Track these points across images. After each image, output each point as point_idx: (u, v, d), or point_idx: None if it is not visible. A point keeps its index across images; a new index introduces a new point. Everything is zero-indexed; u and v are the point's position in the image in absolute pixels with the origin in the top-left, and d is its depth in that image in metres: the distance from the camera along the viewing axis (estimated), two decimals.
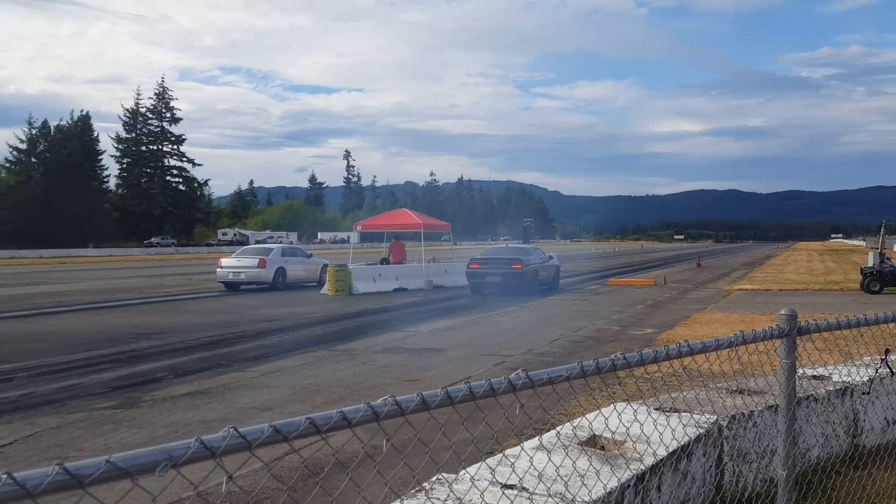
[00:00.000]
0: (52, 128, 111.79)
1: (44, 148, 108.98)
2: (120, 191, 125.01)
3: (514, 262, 27.59)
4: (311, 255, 34.01)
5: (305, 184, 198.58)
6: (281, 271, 30.33)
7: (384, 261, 33.97)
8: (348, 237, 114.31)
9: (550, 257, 31.11)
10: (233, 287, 30.37)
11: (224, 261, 30.98)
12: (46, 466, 1.54)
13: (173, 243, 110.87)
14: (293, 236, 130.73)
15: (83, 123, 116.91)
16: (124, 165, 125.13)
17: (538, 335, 16.54)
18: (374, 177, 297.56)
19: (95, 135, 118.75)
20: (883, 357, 6.61)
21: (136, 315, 21.01)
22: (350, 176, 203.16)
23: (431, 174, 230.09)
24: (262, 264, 29.90)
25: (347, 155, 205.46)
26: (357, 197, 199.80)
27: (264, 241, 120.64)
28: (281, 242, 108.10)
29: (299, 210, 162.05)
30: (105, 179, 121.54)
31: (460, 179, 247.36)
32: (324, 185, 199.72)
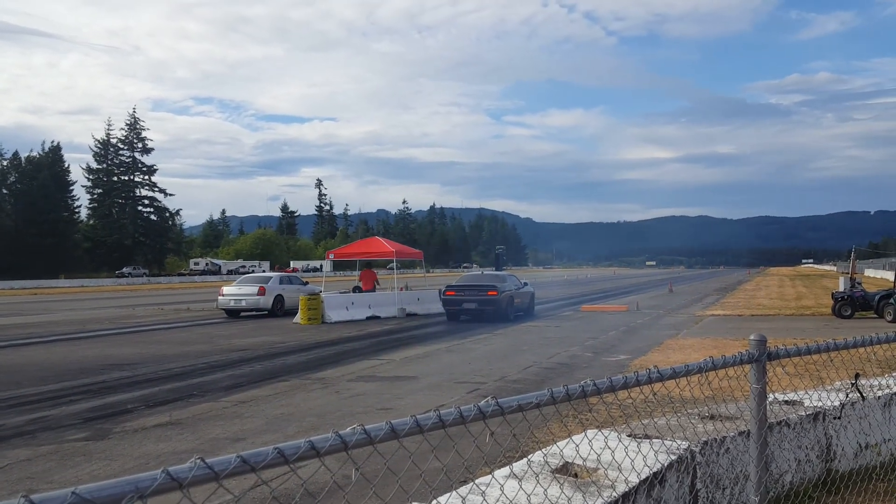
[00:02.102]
0: (23, 159, 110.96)
1: (14, 179, 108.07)
2: (91, 221, 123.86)
3: (489, 289, 27.83)
4: (306, 283, 34.82)
5: (278, 212, 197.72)
6: (279, 298, 31.36)
7: (356, 289, 33.96)
8: (321, 265, 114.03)
9: (525, 284, 31.36)
10: (233, 314, 31.57)
11: (225, 289, 32.28)
12: (13, 499, 1.53)
13: (145, 273, 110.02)
14: (265, 265, 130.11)
15: (54, 154, 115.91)
16: (95, 196, 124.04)
17: (511, 362, 16.55)
18: (347, 205, 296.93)
19: (66, 165, 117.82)
20: (853, 381, 6.67)
21: (108, 346, 20.79)
22: (322, 204, 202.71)
23: (404, 202, 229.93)
24: (261, 292, 31.11)
25: (319, 184, 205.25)
26: (329, 225, 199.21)
27: (236, 271, 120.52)
28: (253, 272, 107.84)
29: (272, 239, 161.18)
30: (76, 210, 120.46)
31: (432, 207, 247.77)
32: (296, 214, 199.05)
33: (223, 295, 31.81)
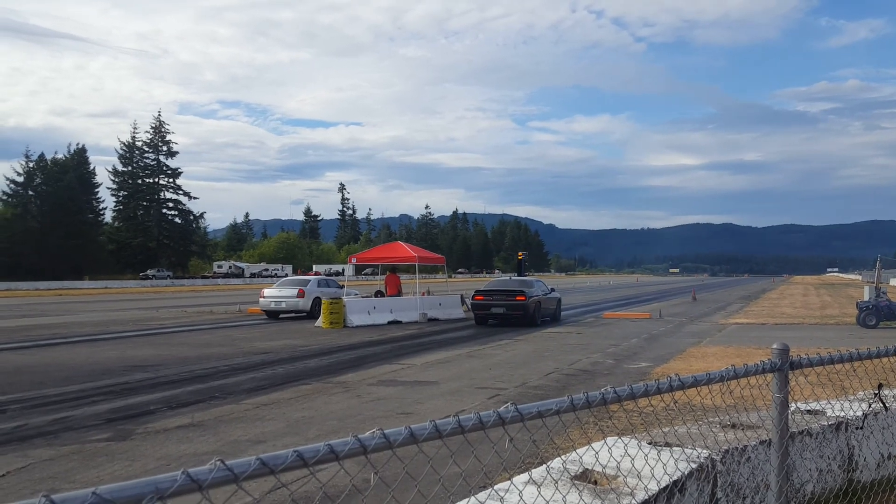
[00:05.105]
0: (49, 161, 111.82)
1: (41, 181, 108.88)
2: (116, 223, 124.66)
3: (518, 294, 28.30)
4: (342, 286, 35.38)
5: (301, 216, 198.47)
6: (318, 301, 31.72)
7: (379, 293, 34.04)
8: (343, 269, 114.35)
9: (552, 290, 31.84)
10: (273, 315, 32.80)
11: (266, 291, 33.50)
12: (34, 498, 1.54)
13: (169, 276, 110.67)
14: (288, 269, 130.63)
15: (79, 157, 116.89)
16: (120, 198, 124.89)
17: (532, 368, 16.51)
18: (370, 209, 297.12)
19: (92, 168, 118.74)
20: (876, 392, 6.61)
21: (131, 347, 20.92)
22: (345, 209, 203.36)
23: (427, 207, 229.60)
24: (301, 294, 32.31)
25: (342, 188, 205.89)
26: (352, 230, 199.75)
27: (259, 274, 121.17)
28: (276, 275, 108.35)
29: (294, 243, 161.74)
30: (101, 212, 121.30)
31: (455, 212, 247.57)
32: (319, 218, 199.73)
33: (264, 297, 32.88)
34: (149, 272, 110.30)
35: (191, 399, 12.63)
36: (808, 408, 7.23)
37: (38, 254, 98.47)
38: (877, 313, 26.62)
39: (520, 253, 52.89)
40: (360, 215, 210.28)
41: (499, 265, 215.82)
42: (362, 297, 33.05)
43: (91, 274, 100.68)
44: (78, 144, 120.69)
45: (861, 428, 6.88)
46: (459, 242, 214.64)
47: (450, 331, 26.79)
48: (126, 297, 58.64)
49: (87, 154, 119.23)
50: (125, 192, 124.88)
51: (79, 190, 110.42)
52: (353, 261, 35.88)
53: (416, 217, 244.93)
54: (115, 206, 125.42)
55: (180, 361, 17.66)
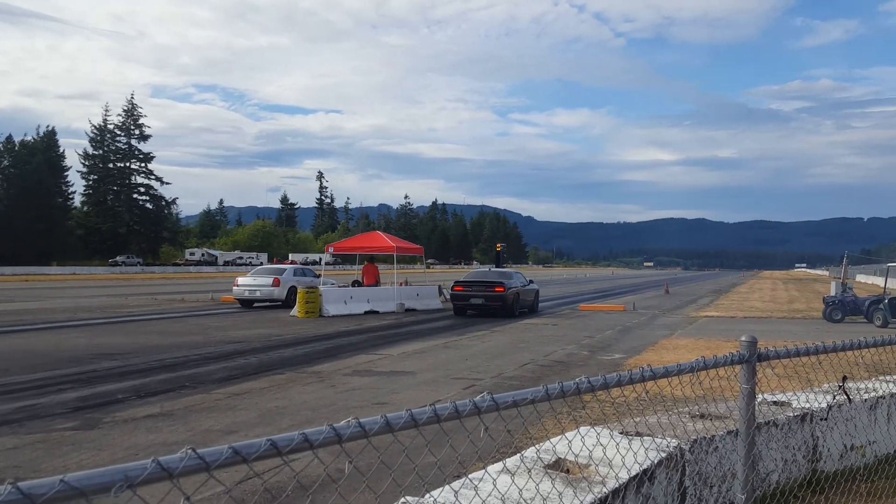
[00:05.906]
0: (18, 143, 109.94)
1: (8, 163, 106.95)
2: (85, 208, 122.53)
3: (497, 286, 28.60)
4: (319, 276, 35.05)
5: (277, 204, 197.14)
6: (293, 290, 31.30)
7: (356, 283, 33.98)
8: (320, 259, 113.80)
9: (531, 282, 32.13)
10: (248, 304, 32.35)
11: (240, 279, 32.99)
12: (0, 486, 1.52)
13: (139, 262, 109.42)
14: (263, 257, 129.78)
15: (48, 139, 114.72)
16: (90, 182, 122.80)
17: (508, 359, 16.56)
18: (348, 198, 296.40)
19: (61, 150, 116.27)
20: (840, 384, 6.71)
21: (99, 335, 20.73)
22: (323, 197, 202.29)
23: (406, 197, 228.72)
24: (276, 283, 31.91)
25: (320, 176, 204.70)
26: (330, 218, 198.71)
27: (233, 262, 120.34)
28: (251, 263, 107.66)
29: (270, 231, 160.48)
30: (70, 196, 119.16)
31: (434, 203, 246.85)
32: (296, 206, 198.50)
33: (238, 285, 32.47)
34: (118, 258, 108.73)
35: (160, 388, 12.54)
36: (775, 399, 7.32)
37: (4, 238, 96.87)
38: (842, 308, 27.03)
39: (498, 244, 52.96)
40: (338, 204, 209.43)
41: (477, 256, 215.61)
42: (339, 286, 32.91)
43: (59, 259, 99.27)
44: (48, 126, 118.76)
45: (825, 419, 6.98)
46: (438, 233, 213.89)
47: (427, 321, 26.81)
48: (95, 284, 58.11)
49: (57, 137, 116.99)
50: (95, 177, 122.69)
51: (47, 173, 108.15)
52: (331, 250, 35.75)
53: (394, 207, 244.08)
54: (85, 191, 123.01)
55: (150, 350, 17.54)
